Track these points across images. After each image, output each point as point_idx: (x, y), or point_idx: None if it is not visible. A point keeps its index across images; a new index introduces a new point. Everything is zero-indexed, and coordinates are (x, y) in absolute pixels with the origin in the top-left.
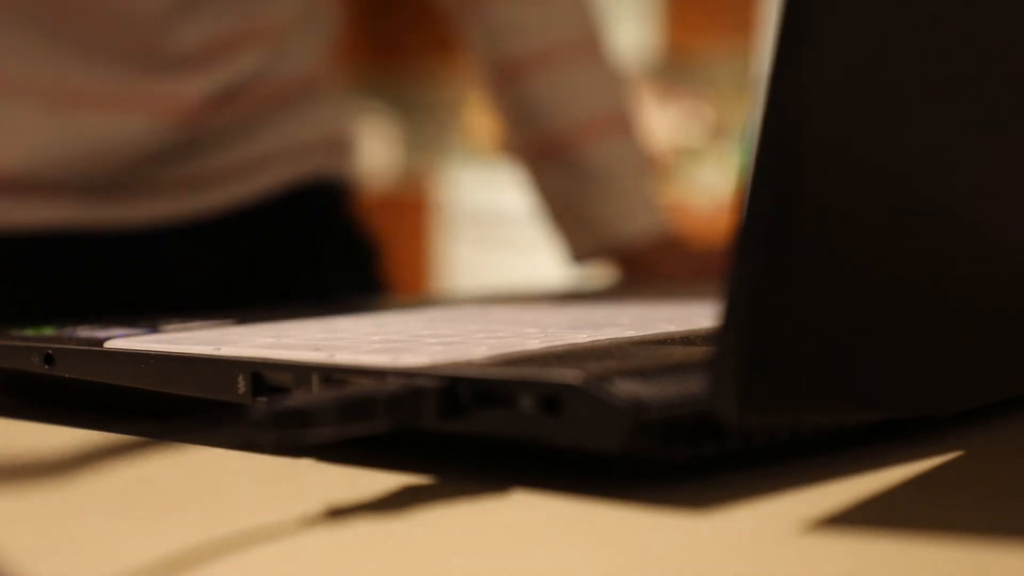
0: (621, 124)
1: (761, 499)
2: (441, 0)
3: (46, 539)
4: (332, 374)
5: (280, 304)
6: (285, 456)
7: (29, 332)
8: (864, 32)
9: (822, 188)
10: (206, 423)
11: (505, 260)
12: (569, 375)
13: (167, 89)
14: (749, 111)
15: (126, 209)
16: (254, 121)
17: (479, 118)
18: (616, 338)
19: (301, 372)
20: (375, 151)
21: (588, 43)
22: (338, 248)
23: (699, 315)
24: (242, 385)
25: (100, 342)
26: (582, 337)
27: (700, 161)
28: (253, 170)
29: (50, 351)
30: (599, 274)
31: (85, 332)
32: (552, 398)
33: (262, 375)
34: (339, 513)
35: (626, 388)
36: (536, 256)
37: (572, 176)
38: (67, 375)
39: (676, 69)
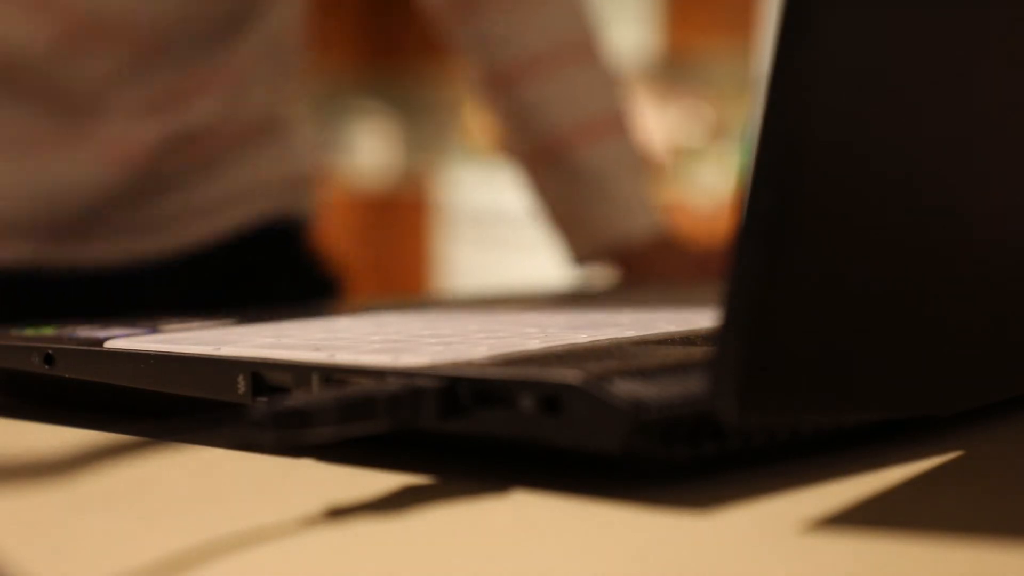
0: (616, 126)
1: (761, 499)
2: (433, 7)
3: (46, 539)
4: (332, 374)
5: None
6: (285, 456)
7: (29, 332)
8: (864, 32)
9: (822, 188)
10: (206, 423)
11: (505, 260)
12: (569, 375)
13: (116, 134)
14: (749, 111)
15: (84, 251)
16: (213, 163)
17: (479, 118)
18: (616, 338)
19: (301, 372)
20: (375, 151)
21: (582, 45)
22: (298, 285)
23: (699, 315)
24: (242, 385)
25: (100, 342)
26: (582, 337)
27: (700, 161)
28: (212, 211)
29: (50, 351)
30: (599, 274)
31: (85, 332)
32: (552, 398)
33: (262, 375)
34: (339, 513)
35: (626, 388)
36: (536, 256)
37: (568, 179)
38: (67, 375)
39: (676, 69)
